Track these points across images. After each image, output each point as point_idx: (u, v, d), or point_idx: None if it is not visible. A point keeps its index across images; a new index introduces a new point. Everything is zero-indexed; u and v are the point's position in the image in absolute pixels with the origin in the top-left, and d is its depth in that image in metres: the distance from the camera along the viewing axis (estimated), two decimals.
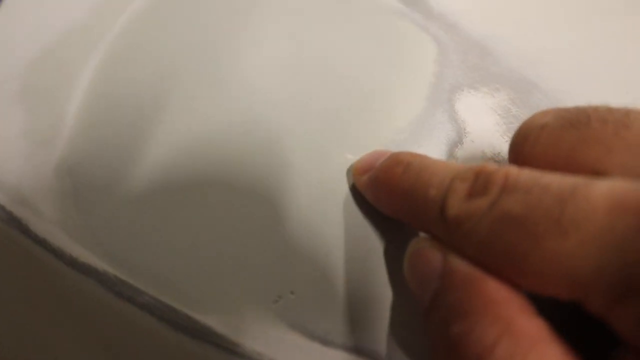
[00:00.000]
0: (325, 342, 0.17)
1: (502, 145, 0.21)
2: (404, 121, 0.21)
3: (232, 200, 0.19)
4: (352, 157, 0.20)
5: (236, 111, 0.21)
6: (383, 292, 0.18)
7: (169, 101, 0.21)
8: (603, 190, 0.11)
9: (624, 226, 0.11)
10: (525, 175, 0.13)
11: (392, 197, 0.16)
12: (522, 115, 0.22)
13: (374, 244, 0.18)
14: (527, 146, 0.15)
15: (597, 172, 0.13)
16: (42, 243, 0.18)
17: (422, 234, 0.16)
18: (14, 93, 0.22)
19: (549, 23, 0.25)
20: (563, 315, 0.13)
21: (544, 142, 0.15)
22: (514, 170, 0.13)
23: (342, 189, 0.19)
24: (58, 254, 0.18)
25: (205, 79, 0.22)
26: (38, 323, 0.18)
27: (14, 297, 0.18)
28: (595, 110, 0.14)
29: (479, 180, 0.14)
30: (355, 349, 0.17)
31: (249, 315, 0.17)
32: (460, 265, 0.13)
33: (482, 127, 0.21)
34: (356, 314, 0.17)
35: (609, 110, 0.14)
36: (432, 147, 0.20)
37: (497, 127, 0.21)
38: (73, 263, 0.18)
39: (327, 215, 0.19)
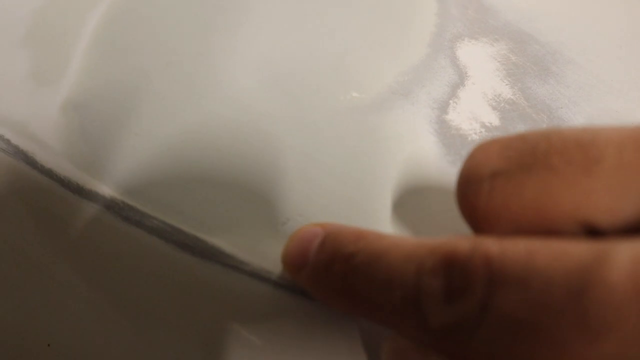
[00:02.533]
0: None
1: (502, 88, 0.21)
2: (407, 65, 0.21)
3: (240, 130, 0.19)
4: (357, 95, 0.20)
5: (245, 55, 0.21)
6: (388, 217, 0.18)
7: (178, 42, 0.21)
8: (622, 270, 0.09)
9: None
10: (510, 258, 0.10)
11: (345, 302, 0.14)
12: (521, 63, 0.22)
13: (380, 173, 0.18)
14: (481, 201, 0.12)
15: (582, 221, 0.11)
16: (48, 173, 0.18)
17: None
18: (20, 37, 0.22)
19: None
20: None
21: (500, 194, 0.12)
22: (492, 250, 0.11)
23: (347, 124, 0.19)
24: (65, 182, 0.18)
25: (216, 21, 0.22)
26: (44, 251, 0.17)
27: (19, 227, 0.18)
28: (549, 144, 0.12)
29: (453, 274, 0.11)
30: None
31: (257, 236, 0.17)
32: None
33: (483, 71, 0.22)
34: None
35: (567, 142, 0.12)
36: (435, 88, 0.21)
37: (497, 72, 0.22)
38: (80, 190, 0.18)
39: (334, 147, 0.19)
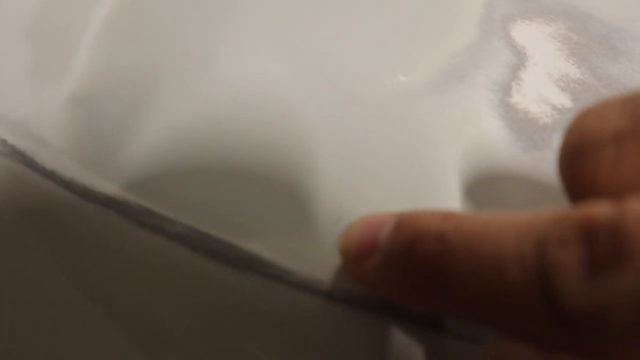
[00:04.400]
0: None
1: (569, 68, 0.19)
2: (458, 46, 0.19)
3: (271, 121, 0.16)
4: (405, 78, 0.17)
5: (273, 41, 0.18)
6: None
7: (195, 29, 0.19)
8: None
9: None
10: None
11: (432, 297, 0.11)
12: (585, 42, 0.20)
13: (444, 161, 0.16)
14: (603, 172, 0.10)
15: None
16: (50, 175, 0.16)
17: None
18: (21, 30, 0.19)
19: None
20: None
21: (632, 161, 0.10)
22: None
23: (398, 110, 0.17)
24: (70, 185, 0.15)
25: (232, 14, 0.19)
26: (47, 266, 0.15)
27: (22, 237, 0.15)
28: None
29: (599, 242, 0.09)
30: None
31: (303, 239, 0.14)
32: None
33: (543, 51, 0.19)
34: None
35: None
36: (493, 69, 0.18)
37: (559, 52, 0.19)
38: (87, 193, 0.15)
39: (386, 135, 0.16)
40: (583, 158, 0.10)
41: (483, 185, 0.15)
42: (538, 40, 0.19)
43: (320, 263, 0.14)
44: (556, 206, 0.11)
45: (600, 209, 0.09)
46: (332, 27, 0.19)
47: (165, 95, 0.17)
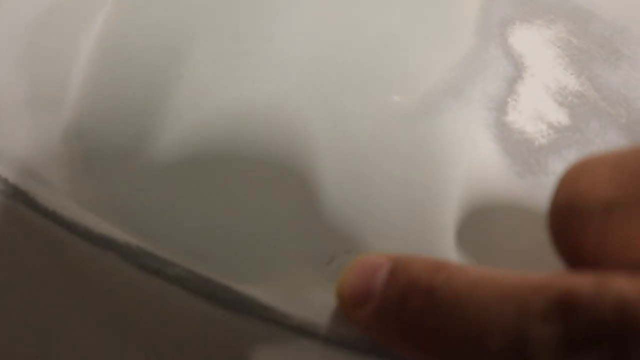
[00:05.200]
0: None
1: (568, 79, 0.18)
2: (454, 58, 0.18)
3: (268, 153, 0.16)
4: (399, 98, 0.17)
5: (266, 58, 0.18)
6: (451, 245, 0.15)
7: (191, 54, 0.18)
8: None
9: None
10: None
11: (421, 349, 0.11)
12: (585, 46, 0.19)
13: (437, 192, 0.16)
14: (589, 240, 0.10)
15: None
16: (52, 216, 0.16)
17: None
18: (15, 57, 0.19)
19: None
20: None
21: (619, 232, 0.10)
22: (628, 294, 0.08)
23: (391, 134, 0.17)
24: (71, 226, 0.16)
25: (230, 32, 0.19)
26: (52, 305, 0.15)
27: (24, 278, 0.16)
28: None
29: (575, 321, 0.09)
30: None
31: (298, 281, 0.14)
32: None
33: (542, 60, 0.19)
34: None
35: None
36: (489, 83, 0.18)
37: (558, 59, 0.19)
38: (89, 235, 0.16)
39: (378, 164, 0.16)
40: (572, 222, 0.10)
41: (477, 215, 0.15)
42: (537, 46, 0.19)
43: (315, 305, 0.14)
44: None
45: (581, 284, 0.09)
46: (322, 45, 0.18)
47: (164, 125, 0.17)
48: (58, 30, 0.20)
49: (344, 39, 0.19)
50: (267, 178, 0.16)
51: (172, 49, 0.19)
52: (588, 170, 0.11)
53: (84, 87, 0.18)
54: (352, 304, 0.13)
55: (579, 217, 0.10)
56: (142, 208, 0.16)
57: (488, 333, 0.10)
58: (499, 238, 0.15)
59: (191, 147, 0.17)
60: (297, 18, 0.19)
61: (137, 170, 0.16)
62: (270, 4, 0.19)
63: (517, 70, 0.18)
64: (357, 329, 0.13)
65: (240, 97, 0.17)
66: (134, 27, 0.19)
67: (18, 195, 0.16)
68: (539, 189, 0.15)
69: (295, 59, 0.18)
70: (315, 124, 0.17)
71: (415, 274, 0.11)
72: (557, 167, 0.16)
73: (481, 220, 0.15)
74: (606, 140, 0.17)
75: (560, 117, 0.17)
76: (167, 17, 0.20)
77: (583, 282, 0.09)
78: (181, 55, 0.18)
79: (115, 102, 0.18)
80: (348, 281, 0.13)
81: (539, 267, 0.12)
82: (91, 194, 0.16)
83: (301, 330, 0.14)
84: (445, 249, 0.15)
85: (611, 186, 0.10)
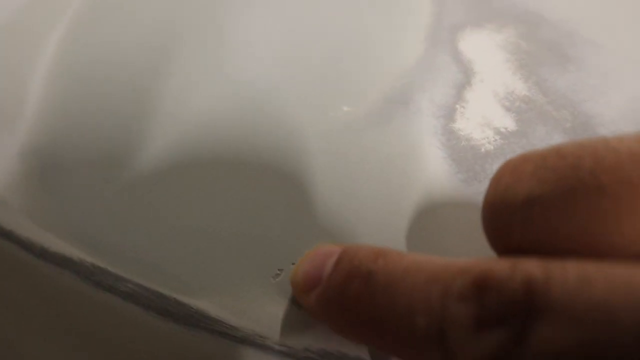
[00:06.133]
0: None
1: (516, 84, 0.18)
2: (404, 67, 0.19)
3: (218, 168, 0.16)
4: (349, 109, 0.17)
5: (228, 79, 0.18)
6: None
7: (147, 70, 0.19)
8: None
9: None
10: (558, 284, 0.09)
11: (359, 328, 0.12)
12: (534, 50, 0.19)
13: (386, 203, 0.16)
14: (514, 234, 0.11)
15: None
16: (8, 235, 0.16)
17: None
18: None
19: None
20: None
21: (538, 225, 0.10)
22: (536, 275, 0.09)
23: (341, 145, 0.17)
24: (27, 245, 0.16)
25: (185, 49, 0.19)
26: (8, 323, 0.15)
27: None
28: (595, 159, 0.10)
29: (487, 297, 0.09)
30: None
31: (247, 294, 0.15)
32: None
33: (491, 65, 0.19)
34: None
35: (615, 157, 0.10)
36: (438, 91, 0.18)
37: (507, 64, 0.19)
38: (44, 254, 0.16)
39: (327, 176, 0.16)
40: (499, 215, 0.11)
41: (426, 223, 0.16)
42: (487, 51, 0.19)
43: (266, 318, 0.14)
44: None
45: (497, 267, 0.10)
46: (273, 58, 0.19)
47: (120, 142, 0.17)
48: (13, 47, 0.20)
49: (294, 51, 0.19)
50: (215, 192, 0.16)
51: (130, 64, 0.19)
52: (513, 167, 0.11)
53: (40, 104, 0.19)
54: (303, 289, 0.13)
55: (505, 211, 0.11)
56: (96, 224, 0.16)
57: (416, 312, 0.10)
58: (447, 244, 0.15)
59: (143, 164, 0.17)
60: (247, 32, 0.19)
61: (90, 186, 0.16)
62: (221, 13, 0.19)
63: (466, 77, 0.18)
64: (309, 311, 0.13)
65: (192, 114, 0.18)
66: (90, 45, 0.19)
67: None
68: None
69: (241, 77, 0.18)
70: (265, 138, 0.17)
71: (357, 261, 0.12)
72: None
73: (430, 228, 0.16)
74: (551, 144, 0.17)
75: (507, 122, 0.17)
76: (122, 32, 0.20)
77: (499, 265, 0.10)
78: (143, 71, 0.19)
79: (71, 119, 0.18)
80: (302, 268, 0.14)
81: None
82: (47, 211, 0.16)
83: (251, 342, 0.14)
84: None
85: (532, 182, 0.10)
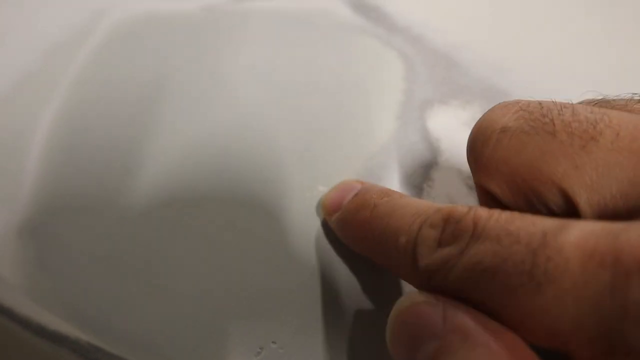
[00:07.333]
0: None
1: None
2: (376, 145, 0.20)
3: (201, 248, 0.18)
4: (323, 188, 0.19)
5: (202, 154, 0.20)
6: (369, 341, 0.17)
7: (141, 143, 0.20)
8: (573, 239, 0.11)
9: (597, 282, 0.10)
10: (494, 220, 0.12)
11: (363, 243, 0.16)
12: None
13: (352, 284, 0.18)
14: (487, 150, 0.14)
15: (563, 190, 0.13)
16: (7, 313, 0.17)
17: (412, 290, 0.15)
18: None
19: (513, 30, 0.24)
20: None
21: (505, 147, 0.14)
22: (482, 214, 0.12)
23: (315, 225, 0.18)
24: (25, 323, 0.17)
25: (169, 115, 0.21)
26: None
27: None
28: (560, 114, 0.13)
29: (448, 226, 0.13)
30: None
31: None
32: (463, 321, 0.12)
33: (456, 144, 0.21)
34: None
35: (575, 116, 0.13)
36: (407, 171, 0.20)
37: None
38: (42, 332, 0.17)
39: (302, 256, 0.18)
40: (479, 139, 0.14)
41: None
42: (452, 129, 0.21)
43: None
44: None
45: (459, 209, 0.13)
46: (249, 137, 0.20)
47: (113, 224, 0.19)
48: (6, 124, 0.21)
49: (271, 132, 0.20)
50: (200, 273, 0.18)
51: (124, 138, 0.20)
52: (505, 104, 0.14)
53: (36, 182, 0.20)
54: (328, 211, 0.18)
55: (485, 135, 0.14)
56: (92, 304, 0.17)
57: (401, 233, 0.14)
58: None
59: (143, 243, 0.18)
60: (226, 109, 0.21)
61: (87, 267, 0.18)
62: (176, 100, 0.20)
63: (433, 156, 0.20)
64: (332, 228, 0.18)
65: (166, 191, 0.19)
66: (84, 122, 0.21)
67: None
68: None
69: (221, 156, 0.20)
70: (241, 220, 0.19)
71: (369, 196, 0.16)
72: None
73: None
74: None
75: (470, 202, 0.19)
76: (116, 110, 0.21)
77: (462, 208, 0.13)
78: (132, 142, 0.20)
79: (68, 196, 0.19)
80: (330, 195, 0.18)
81: None
82: (44, 289, 0.18)
83: None
84: None
85: (512, 116, 0.14)
